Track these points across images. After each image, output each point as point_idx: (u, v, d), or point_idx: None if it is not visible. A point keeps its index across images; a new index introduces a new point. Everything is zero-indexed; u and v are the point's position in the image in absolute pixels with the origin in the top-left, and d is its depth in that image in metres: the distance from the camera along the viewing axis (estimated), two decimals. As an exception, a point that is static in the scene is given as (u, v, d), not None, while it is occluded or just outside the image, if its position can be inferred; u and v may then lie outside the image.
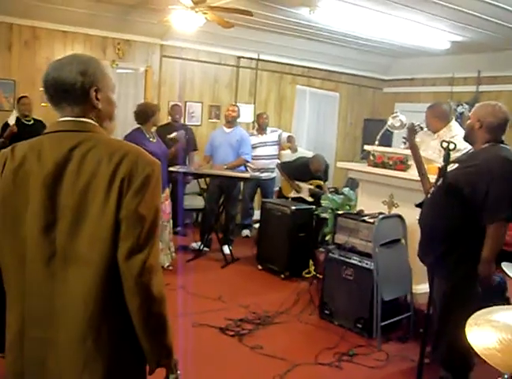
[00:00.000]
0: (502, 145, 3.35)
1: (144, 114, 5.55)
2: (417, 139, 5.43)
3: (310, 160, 7.43)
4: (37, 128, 5.71)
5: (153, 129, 5.79)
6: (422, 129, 3.95)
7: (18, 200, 1.59)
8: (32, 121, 6.40)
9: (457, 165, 3.47)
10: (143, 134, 5.47)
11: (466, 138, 3.54)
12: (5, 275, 1.65)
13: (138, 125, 5.57)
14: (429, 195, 3.61)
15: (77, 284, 1.56)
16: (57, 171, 1.57)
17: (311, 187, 7.35)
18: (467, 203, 3.25)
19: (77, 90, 1.63)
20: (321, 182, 7.41)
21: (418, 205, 3.83)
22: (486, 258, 3.22)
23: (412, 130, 3.89)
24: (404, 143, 5.41)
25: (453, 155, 3.42)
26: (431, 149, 4.99)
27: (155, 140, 5.59)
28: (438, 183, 3.40)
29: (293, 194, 7.38)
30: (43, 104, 6.42)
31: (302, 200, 7.18)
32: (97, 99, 1.67)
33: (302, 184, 7.40)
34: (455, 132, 4.87)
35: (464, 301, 3.25)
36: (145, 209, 1.57)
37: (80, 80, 1.62)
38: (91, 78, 1.65)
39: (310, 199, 7.23)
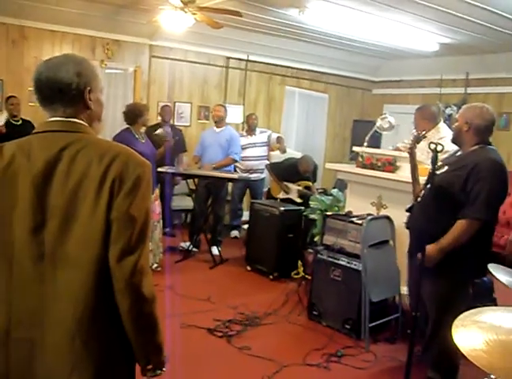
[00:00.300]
0: (489, 147, 3.37)
1: (133, 114, 5.53)
2: (406, 141, 5.49)
3: (299, 161, 7.43)
4: (26, 128, 5.65)
5: (142, 129, 5.77)
6: (425, 137, 3.95)
7: (6, 199, 1.58)
8: (20, 122, 6.36)
9: (446, 167, 3.48)
10: (132, 135, 5.44)
11: (454, 140, 3.56)
12: None
13: (127, 126, 5.54)
14: (419, 198, 3.62)
15: (66, 285, 1.55)
16: (47, 171, 1.56)
17: (300, 188, 7.36)
18: (457, 205, 3.26)
19: (72, 90, 1.63)
20: (310, 183, 7.41)
21: (408, 210, 3.84)
22: (441, 245, 3.26)
23: (417, 139, 3.89)
24: (398, 146, 5.44)
25: (441, 157, 3.46)
26: (419, 151, 4.99)
27: (144, 141, 5.57)
28: (428, 186, 3.40)
29: (282, 195, 7.37)
30: (31, 104, 6.39)
31: (291, 201, 7.18)
32: (90, 99, 1.68)
33: (290, 185, 7.40)
34: (443, 133, 4.90)
35: (458, 302, 3.26)
36: (137, 210, 1.57)
37: (76, 80, 1.63)
38: (85, 79, 1.66)
39: (298, 200, 7.23)
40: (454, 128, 3.53)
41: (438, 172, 3.43)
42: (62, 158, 1.57)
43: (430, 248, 3.23)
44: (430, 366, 3.61)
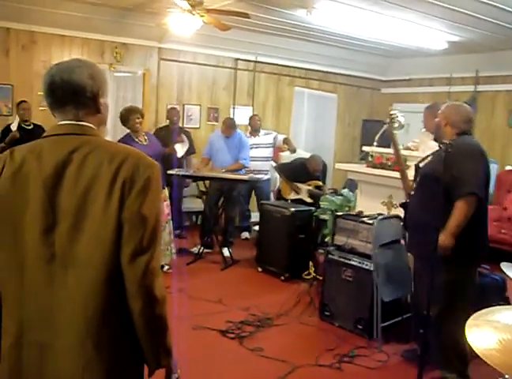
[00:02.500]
0: (466, 136, 3.55)
1: (120, 120, 5.71)
2: (416, 140, 5.49)
3: (308, 161, 7.43)
4: (37, 133, 5.69)
5: (143, 131, 5.88)
6: (400, 122, 4.11)
7: (17, 202, 1.58)
8: (31, 126, 6.40)
9: (428, 160, 3.68)
10: (131, 138, 5.57)
11: (435, 136, 3.77)
12: (2, 279, 1.63)
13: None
14: (412, 193, 3.73)
15: (77, 288, 1.55)
16: (57, 174, 1.57)
17: (310, 188, 7.34)
18: (443, 189, 3.28)
19: (86, 93, 1.64)
20: (320, 183, 7.40)
21: (402, 205, 3.90)
22: (450, 230, 3.34)
23: (391, 122, 3.99)
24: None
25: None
26: (429, 150, 5.01)
27: (146, 143, 5.64)
28: (418, 180, 3.61)
29: (292, 196, 7.36)
30: (41, 108, 6.43)
31: (301, 201, 7.17)
32: (100, 104, 1.69)
33: (300, 185, 7.40)
34: None
35: (464, 292, 3.38)
36: (148, 211, 1.58)
37: (90, 83, 1.64)
38: (97, 82, 1.67)
39: (309, 200, 7.22)
40: (435, 124, 3.74)
41: (421, 165, 3.67)
42: (72, 160, 1.58)
43: (441, 237, 3.26)
44: (441, 366, 3.62)
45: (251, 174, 7.14)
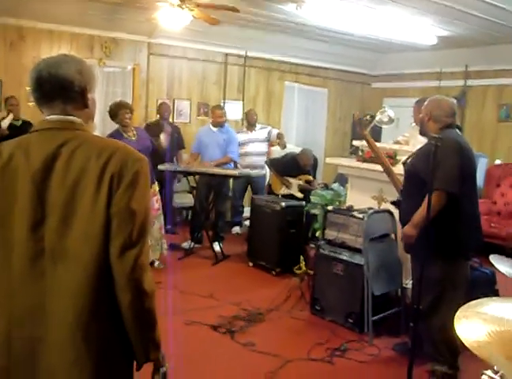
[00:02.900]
0: (449, 130, 3.54)
1: (109, 114, 5.70)
2: (406, 134, 5.51)
3: (299, 155, 7.43)
4: (26, 128, 5.62)
5: (134, 126, 5.87)
6: (372, 118, 4.14)
7: (6, 197, 1.59)
8: (20, 122, 6.36)
9: (410, 159, 3.72)
10: (119, 133, 5.56)
11: (421, 131, 3.79)
12: None
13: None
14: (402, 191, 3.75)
15: (66, 282, 1.55)
16: (45, 168, 1.57)
17: (300, 183, 7.34)
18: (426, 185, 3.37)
19: (74, 87, 1.64)
20: (310, 177, 7.40)
21: (393, 203, 3.93)
22: (413, 221, 3.45)
23: (360, 123, 4.01)
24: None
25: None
26: (419, 144, 5.03)
27: (134, 138, 5.62)
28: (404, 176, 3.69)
29: (283, 191, 7.36)
30: (29, 104, 6.39)
31: (292, 196, 7.18)
32: (88, 99, 1.70)
33: (291, 179, 7.39)
34: None
35: (454, 285, 3.42)
36: (136, 205, 1.58)
37: (78, 78, 1.65)
38: (85, 78, 1.68)
39: (299, 195, 7.22)
40: (419, 120, 3.80)
41: (408, 161, 3.71)
42: (61, 154, 1.58)
43: (407, 230, 3.46)
44: (431, 359, 3.64)
45: (248, 170, 7.15)
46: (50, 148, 1.59)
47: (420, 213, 3.37)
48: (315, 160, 7.64)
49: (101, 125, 7.12)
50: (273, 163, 7.61)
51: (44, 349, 1.57)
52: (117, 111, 5.59)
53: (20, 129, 6.09)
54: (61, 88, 1.64)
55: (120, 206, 1.56)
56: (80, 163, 1.57)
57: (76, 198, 1.56)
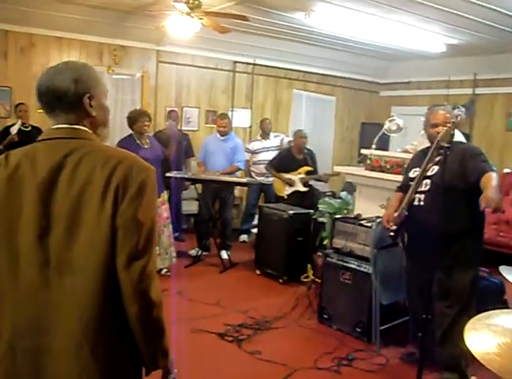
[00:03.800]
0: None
1: (129, 121, 5.71)
2: (414, 142, 5.49)
3: (291, 143, 7.39)
4: (35, 135, 5.66)
5: (147, 134, 5.86)
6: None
7: (12, 207, 1.58)
8: (29, 128, 6.40)
9: (436, 167, 3.63)
10: (133, 140, 5.57)
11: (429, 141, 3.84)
12: None
13: (131, 132, 5.72)
14: (421, 202, 3.67)
15: (72, 292, 1.55)
16: (51, 178, 1.57)
17: (302, 176, 7.24)
18: (463, 192, 3.49)
19: (69, 97, 1.63)
20: (309, 167, 7.29)
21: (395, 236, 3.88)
22: (494, 187, 3.21)
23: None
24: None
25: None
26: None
27: (148, 146, 5.65)
28: (427, 188, 3.65)
29: (287, 190, 7.28)
30: (39, 111, 6.40)
31: (297, 193, 7.14)
32: (91, 106, 1.67)
33: (292, 176, 7.28)
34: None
35: (477, 292, 3.57)
36: (142, 215, 1.57)
37: (73, 87, 1.63)
38: (84, 85, 1.65)
39: (304, 189, 7.15)
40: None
41: (430, 174, 3.66)
42: (66, 164, 1.57)
43: (494, 196, 3.10)
44: (444, 367, 3.66)
45: (262, 178, 7.13)
46: (56, 158, 1.58)
47: (495, 181, 3.23)
48: (312, 153, 7.56)
49: (112, 133, 7.13)
50: (271, 164, 7.50)
51: (50, 360, 1.56)
52: (137, 119, 5.62)
53: (29, 135, 6.13)
54: (57, 100, 1.64)
55: (126, 217, 1.55)
56: (86, 173, 1.56)
57: (81, 209, 1.55)
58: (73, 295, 1.55)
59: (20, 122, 6.27)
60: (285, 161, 7.33)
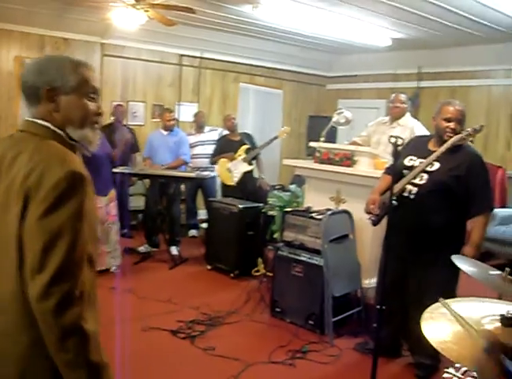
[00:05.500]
0: (469, 144, 3.65)
1: None
2: (363, 133, 5.56)
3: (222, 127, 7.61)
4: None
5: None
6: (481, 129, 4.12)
7: None
8: None
9: (438, 164, 3.59)
10: None
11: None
12: None
13: None
14: (411, 195, 3.66)
15: None
16: None
17: (243, 156, 7.13)
18: (458, 200, 3.57)
19: (28, 89, 1.59)
20: (246, 145, 7.18)
21: (377, 221, 3.87)
22: (476, 245, 3.54)
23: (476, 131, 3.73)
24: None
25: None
26: (382, 145, 5.16)
27: None
28: (422, 183, 3.62)
29: (235, 176, 7.12)
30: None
31: (247, 175, 7.11)
32: (52, 100, 1.58)
33: (234, 162, 7.21)
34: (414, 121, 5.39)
35: (455, 286, 3.69)
36: (48, 222, 1.42)
37: (31, 79, 1.58)
38: (45, 78, 1.57)
39: (250, 167, 7.12)
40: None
41: (429, 169, 3.61)
42: (5, 160, 1.52)
43: (467, 251, 3.49)
44: (416, 352, 3.81)
45: (198, 172, 7.05)
46: (3, 153, 1.54)
47: (481, 234, 3.56)
48: (246, 133, 7.56)
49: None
50: (212, 156, 7.47)
51: None
52: None
53: None
54: (23, 92, 1.61)
55: (29, 223, 1.43)
56: (14, 172, 1.48)
57: (3, 211, 1.48)
58: None
59: None
60: (224, 147, 7.28)
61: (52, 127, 1.58)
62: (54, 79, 1.57)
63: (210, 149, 7.63)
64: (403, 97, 5.37)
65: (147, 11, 5.81)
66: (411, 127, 5.21)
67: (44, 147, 1.54)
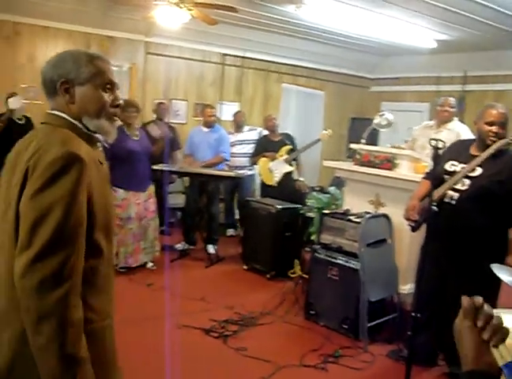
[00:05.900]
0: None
1: None
2: (409, 138, 5.48)
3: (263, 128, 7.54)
4: (27, 127, 5.67)
5: (136, 125, 5.81)
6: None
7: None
8: (23, 120, 6.26)
9: (480, 170, 3.50)
10: (123, 130, 5.46)
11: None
12: None
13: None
14: (453, 201, 3.57)
15: None
16: (14, 161, 1.57)
17: (285, 157, 7.10)
18: (501, 206, 3.47)
19: (47, 82, 1.63)
20: (289, 146, 7.15)
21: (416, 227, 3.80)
22: None
23: None
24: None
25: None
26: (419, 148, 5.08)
27: (137, 138, 5.61)
28: (464, 188, 3.52)
29: (276, 176, 7.12)
30: (25, 101, 6.29)
31: (287, 176, 7.08)
32: (67, 92, 1.61)
33: (275, 161, 7.18)
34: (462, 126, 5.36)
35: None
36: (38, 200, 1.43)
37: (50, 72, 1.61)
38: (60, 71, 1.60)
39: (291, 168, 7.09)
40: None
41: (472, 174, 3.50)
42: (22, 151, 1.56)
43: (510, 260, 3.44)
44: (451, 362, 3.72)
45: (236, 171, 7.05)
46: (26, 143, 1.58)
47: None
48: (287, 134, 7.52)
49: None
50: (252, 155, 7.49)
51: None
52: (124, 108, 5.52)
53: (21, 127, 5.99)
54: (42, 85, 1.65)
55: (23, 201, 1.45)
56: (25, 160, 1.51)
57: (10, 193, 1.53)
58: None
59: (19, 98, 6.09)
60: (264, 147, 7.26)
61: (68, 118, 1.61)
62: (69, 71, 1.61)
63: (248, 148, 7.64)
64: (452, 101, 5.28)
65: (190, 10, 5.83)
66: (457, 132, 5.11)
67: (53, 133, 1.57)
